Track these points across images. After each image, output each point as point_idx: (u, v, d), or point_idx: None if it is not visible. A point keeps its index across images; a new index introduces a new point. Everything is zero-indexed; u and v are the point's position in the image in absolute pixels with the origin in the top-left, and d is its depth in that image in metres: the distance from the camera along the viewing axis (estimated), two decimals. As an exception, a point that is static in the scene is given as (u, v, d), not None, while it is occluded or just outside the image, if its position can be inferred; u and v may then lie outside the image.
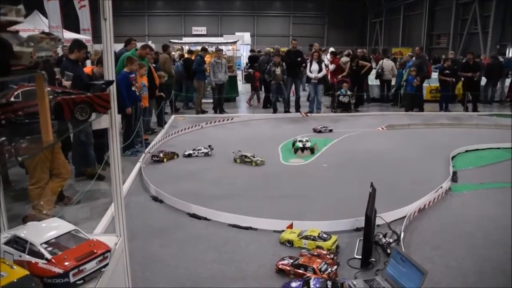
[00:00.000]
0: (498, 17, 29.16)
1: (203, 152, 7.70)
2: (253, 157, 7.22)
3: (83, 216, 5.04)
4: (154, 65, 10.11)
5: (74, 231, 2.00)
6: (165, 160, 7.33)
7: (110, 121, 2.31)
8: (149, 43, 26.86)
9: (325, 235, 4.21)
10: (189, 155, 7.63)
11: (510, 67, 15.36)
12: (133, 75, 7.69)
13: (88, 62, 9.73)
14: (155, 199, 5.60)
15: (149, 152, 7.68)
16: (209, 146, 7.83)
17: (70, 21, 16.41)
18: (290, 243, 4.25)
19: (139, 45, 9.48)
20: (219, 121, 10.96)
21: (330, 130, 9.83)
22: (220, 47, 13.66)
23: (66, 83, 5.09)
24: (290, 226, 4.53)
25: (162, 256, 4.09)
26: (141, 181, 6.32)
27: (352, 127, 10.21)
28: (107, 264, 1.96)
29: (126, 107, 7.51)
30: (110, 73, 2.30)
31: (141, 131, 8.17)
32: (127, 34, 26.26)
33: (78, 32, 14.99)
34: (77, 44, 6.20)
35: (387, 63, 14.83)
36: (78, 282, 1.79)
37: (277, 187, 6.08)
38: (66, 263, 1.75)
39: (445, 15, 35.18)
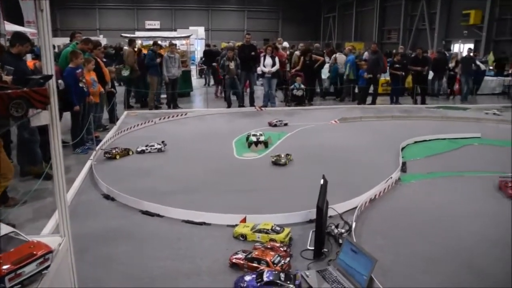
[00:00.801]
0: (443, 14, 30.40)
1: (156, 148, 7.57)
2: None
3: (30, 217, 4.84)
4: (105, 59, 9.84)
5: (12, 233, 1.91)
6: (117, 157, 7.15)
7: (51, 117, 2.22)
8: (101, 37, 26.20)
9: (278, 228, 4.24)
10: (142, 152, 7.48)
11: (463, 63, 15.85)
12: (79, 70, 7.43)
13: (29, 56, 9.27)
14: (107, 197, 5.45)
15: (101, 149, 7.48)
16: (162, 142, 7.71)
17: (16, 13, 15.67)
18: (244, 237, 4.25)
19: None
20: (172, 116, 10.79)
21: (285, 124, 9.92)
22: (173, 41, 13.48)
23: (7, 78, 4.85)
24: (244, 220, 4.54)
25: (115, 255, 3.99)
26: (92, 179, 6.14)
27: (306, 121, 10.34)
28: (48, 266, 1.89)
29: (74, 105, 7.27)
30: (48, 67, 2.20)
31: (92, 128, 7.92)
32: (77, 28, 25.37)
33: (22, 24, 14.34)
34: (18, 37, 5.92)
35: (340, 57, 15.12)
36: (15, 287, 1.71)
37: (231, 182, 6.07)
38: (3, 268, 1.67)
39: (395, 11, 36.31)
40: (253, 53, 12.24)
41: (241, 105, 12.39)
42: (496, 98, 16.82)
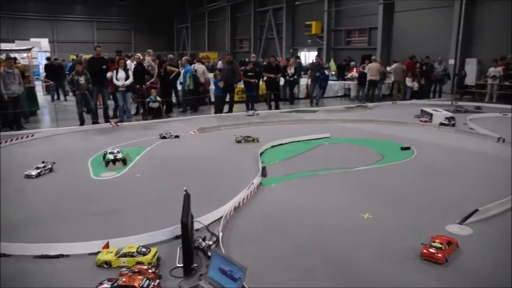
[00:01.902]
0: (289, 25, 32.79)
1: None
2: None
3: None
4: None
5: None
6: None
7: None
8: None
9: (144, 249, 4.05)
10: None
11: (312, 69, 17.03)
12: None
13: None
14: None
15: None
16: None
17: None
18: (108, 264, 3.96)
19: None
20: (16, 139, 9.63)
21: (176, 136, 9.79)
22: (11, 54, 12.16)
23: None
24: (106, 246, 4.23)
25: None
26: None
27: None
28: None
29: None
30: None
31: None
32: None
33: None
34: None
35: (199, 67, 15.21)
36: None
37: (89, 205, 5.62)
38: None
39: (245, 22, 38.05)
40: (104, 67, 11.64)
41: (95, 121, 11.66)
42: (339, 100, 18.61)
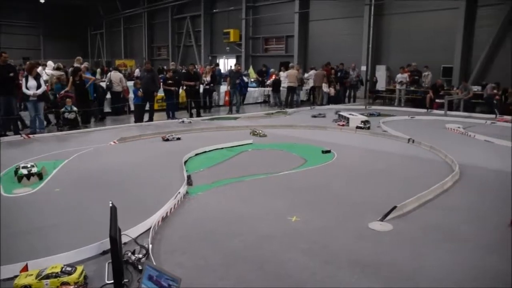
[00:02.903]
0: (207, 32, 32.86)
1: None
2: None
3: None
4: None
5: None
6: None
7: None
8: None
9: (69, 268, 3.82)
10: None
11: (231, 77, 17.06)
12: None
13: None
14: None
15: None
16: None
17: None
18: None
19: None
20: None
21: (178, 139, 10.24)
22: None
23: None
24: (25, 269, 3.92)
25: None
26: None
27: (83, 144, 9.68)
28: None
29: None
30: None
31: None
32: None
33: None
34: None
35: (115, 75, 14.73)
36: None
37: (1, 226, 5.18)
38: None
39: (163, 29, 37.49)
40: (11, 74, 10.85)
41: (3, 134, 10.80)
42: (260, 106, 18.97)
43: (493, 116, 14.84)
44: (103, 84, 15.02)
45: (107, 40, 45.25)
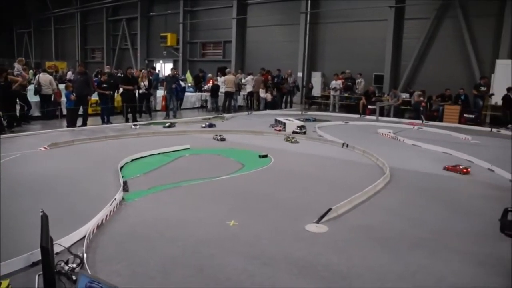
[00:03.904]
0: (143, 35, 32.21)
1: None
2: None
3: None
4: None
5: None
6: None
7: None
8: None
9: (-6, 282, 3.62)
10: None
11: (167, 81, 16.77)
12: None
13: None
14: None
15: None
16: None
17: None
18: None
19: None
20: None
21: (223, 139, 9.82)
22: None
23: None
24: None
25: None
26: None
27: (9, 151, 9.11)
28: None
29: None
30: None
31: None
32: None
33: None
34: None
35: (44, 77, 14.06)
36: None
37: None
38: None
39: (97, 30, 36.27)
40: None
41: None
42: (197, 111, 18.89)
43: (420, 121, 15.77)
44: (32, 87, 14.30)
45: (36, 40, 43.03)
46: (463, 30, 17.79)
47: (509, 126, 14.62)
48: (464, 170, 8.20)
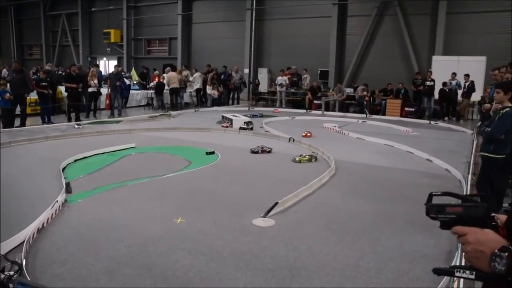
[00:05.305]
0: (85, 32, 31.10)
1: None
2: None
3: None
4: None
5: None
6: None
7: None
8: None
9: None
10: None
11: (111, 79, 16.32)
12: None
13: None
14: None
15: None
16: None
17: None
18: None
19: None
20: None
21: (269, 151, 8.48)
22: None
23: None
24: None
25: None
26: None
27: None
28: None
29: None
30: None
31: None
32: None
33: None
34: None
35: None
36: None
37: None
38: None
39: (34, 26, 34.49)
40: None
41: None
42: (143, 109, 18.55)
43: (364, 115, 16.31)
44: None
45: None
46: (402, 27, 18.56)
47: (445, 118, 15.47)
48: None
